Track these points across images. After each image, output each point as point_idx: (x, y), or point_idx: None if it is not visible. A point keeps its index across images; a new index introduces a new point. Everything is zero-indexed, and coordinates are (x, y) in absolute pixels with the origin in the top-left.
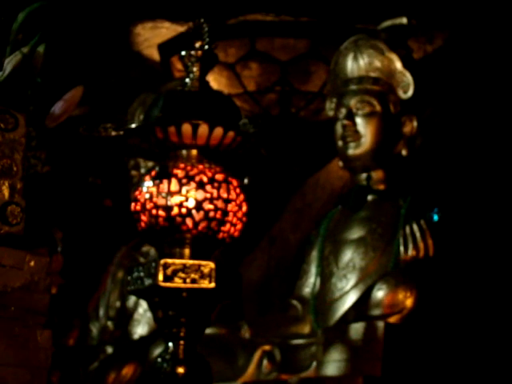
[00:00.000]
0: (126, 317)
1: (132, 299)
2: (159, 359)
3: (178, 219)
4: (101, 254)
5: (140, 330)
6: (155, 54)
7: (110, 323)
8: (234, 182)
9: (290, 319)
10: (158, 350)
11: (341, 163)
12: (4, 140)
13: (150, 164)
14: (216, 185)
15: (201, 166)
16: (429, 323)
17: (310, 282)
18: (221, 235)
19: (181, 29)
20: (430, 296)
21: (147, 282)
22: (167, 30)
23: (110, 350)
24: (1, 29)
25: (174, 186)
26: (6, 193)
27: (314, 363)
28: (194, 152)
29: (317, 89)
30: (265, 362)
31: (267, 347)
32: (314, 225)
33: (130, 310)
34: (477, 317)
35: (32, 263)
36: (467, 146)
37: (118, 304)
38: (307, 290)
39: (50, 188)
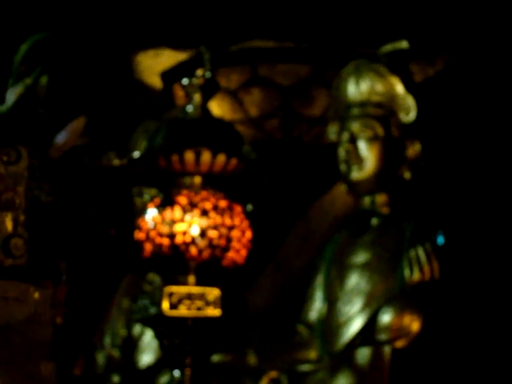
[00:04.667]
0: (131, 345)
1: (138, 327)
2: None
3: (182, 247)
4: (106, 282)
5: (146, 358)
6: (157, 82)
7: (115, 351)
8: (238, 209)
9: (297, 345)
10: (164, 379)
11: (344, 187)
12: (7, 173)
13: (154, 191)
14: (219, 211)
15: (204, 193)
16: (436, 347)
17: (316, 307)
18: (225, 262)
19: (182, 56)
20: (436, 320)
21: (152, 310)
22: (169, 58)
23: (116, 378)
24: (2, 60)
25: (178, 213)
26: (10, 226)
27: None
28: (197, 179)
29: (319, 113)
30: None
31: (274, 374)
32: (319, 250)
33: (135, 338)
34: (483, 339)
35: (36, 295)
36: (470, 168)
37: (123, 332)
38: (313, 314)
39: (54, 218)
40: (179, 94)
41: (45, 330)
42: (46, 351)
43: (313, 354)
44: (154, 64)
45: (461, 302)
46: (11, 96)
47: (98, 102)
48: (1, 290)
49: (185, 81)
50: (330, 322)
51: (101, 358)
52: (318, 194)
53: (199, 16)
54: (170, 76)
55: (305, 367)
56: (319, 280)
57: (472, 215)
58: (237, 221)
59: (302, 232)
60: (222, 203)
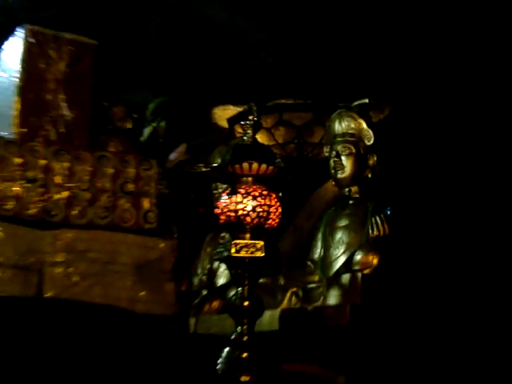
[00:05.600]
0: (212, 273)
1: (216, 263)
2: (233, 297)
3: (242, 217)
4: (198, 238)
5: (221, 281)
6: (225, 124)
7: (204, 277)
8: (273, 195)
9: (307, 273)
10: (232, 292)
11: (333, 182)
12: (146, 175)
13: (224, 186)
14: (263, 197)
15: (254, 187)
16: (387, 274)
17: (318, 251)
18: (266, 226)
19: (240, 109)
20: (387, 258)
21: (225, 253)
22: (232, 110)
23: (204, 292)
24: (142, 113)
25: (239, 198)
26: (147, 205)
27: (322, 298)
28: (250, 179)
29: (318, 141)
30: (293, 297)
31: (294, 289)
32: (319, 219)
33: (215, 269)
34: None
35: (162, 245)
36: (408, 172)
37: (208, 266)
38: (316, 255)
39: (170, 202)
40: (238, 130)
41: (167, 264)
42: (168, 276)
43: (316, 278)
44: (223, 114)
45: (401, 247)
46: (146, 132)
47: (193, 136)
48: (142, 243)
49: (242, 123)
50: (326, 260)
51: (196, 281)
52: (317, 187)
53: (249, 86)
54: (233, 120)
55: (312, 285)
56: (319, 236)
57: (408, 198)
58: (273, 202)
59: (308, 209)
60: (264, 192)
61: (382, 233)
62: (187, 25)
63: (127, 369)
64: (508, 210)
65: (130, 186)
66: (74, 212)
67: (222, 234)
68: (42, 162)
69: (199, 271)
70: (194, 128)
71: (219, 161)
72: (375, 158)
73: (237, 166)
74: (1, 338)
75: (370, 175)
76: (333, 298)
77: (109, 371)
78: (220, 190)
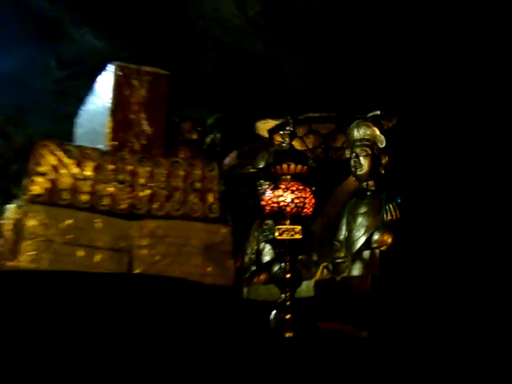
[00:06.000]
0: (259, 252)
1: (262, 244)
2: (277, 271)
3: (283, 207)
4: (247, 224)
5: (266, 258)
6: (266, 134)
7: (252, 256)
8: (308, 189)
9: (335, 250)
10: (276, 267)
11: (353, 178)
12: (209, 176)
13: (268, 183)
14: (299, 191)
15: (292, 183)
16: (399, 250)
17: (343, 233)
18: (302, 214)
19: (277, 122)
20: (399, 237)
21: (270, 236)
22: (271, 123)
23: (253, 268)
24: (204, 127)
25: (281, 192)
26: (211, 199)
27: (347, 270)
28: (289, 177)
29: (340, 145)
30: (324, 270)
31: (325, 263)
32: (342, 207)
33: (261, 249)
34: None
35: (223, 230)
36: (413, 169)
37: (255, 247)
38: (341, 236)
39: (226, 196)
40: (276, 139)
41: (228, 245)
42: (229, 255)
43: (342, 254)
44: (264, 126)
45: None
46: (206, 142)
47: (241, 145)
48: (208, 229)
49: (281, 132)
50: (349, 240)
51: (246, 259)
52: (341, 182)
53: (284, 103)
54: (272, 131)
55: (339, 260)
56: (343, 221)
57: (415, 190)
58: (307, 195)
59: (334, 200)
60: (300, 187)
61: (394, 217)
62: (235, 57)
63: (198, 326)
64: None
65: (198, 185)
66: (155, 206)
67: (267, 221)
68: (129, 167)
69: (249, 251)
70: (242, 138)
71: (262, 163)
72: (387, 158)
73: (278, 166)
74: (102, 305)
75: (383, 171)
76: (356, 270)
77: (185, 328)
78: (264, 187)
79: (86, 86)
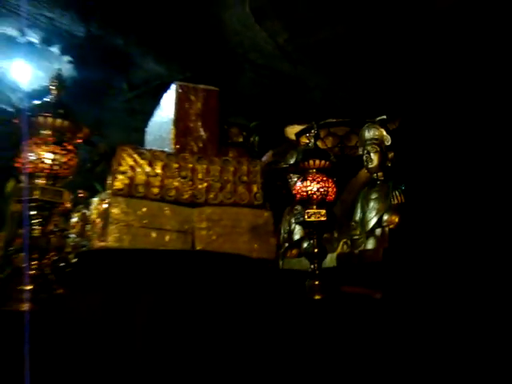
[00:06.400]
0: (290, 232)
1: (293, 225)
2: (307, 247)
3: (310, 195)
4: (280, 209)
5: (296, 236)
6: (293, 137)
7: (285, 235)
8: (330, 180)
9: (352, 229)
10: (306, 244)
11: (365, 171)
12: (253, 170)
13: (297, 176)
14: (323, 181)
15: (318, 175)
16: (405, 227)
17: (358, 215)
18: (327, 200)
19: (302, 127)
20: (404, 217)
21: (301, 219)
22: (297, 128)
23: (286, 244)
24: (248, 131)
25: (308, 183)
26: (256, 189)
27: (363, 244)
28: (314, 170)
29: (354, 144)
30: (344, 245)
31: (345, 240)
32: (357, 193)
33: (292, 229)
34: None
35: (266, 214)
36: (414, 162)
37: (287, 228)
38: (357, 218)
39: (265, 187)
40: (302, 141)
41: (270, 226)
42: (271, 234)
43: (358, 232)
44: (292, 130)
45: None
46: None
47: (275, 146)
48: (254, 213)
49: (306, 135)
50: (364, 220)
51: (280, 238)
52: (355, 174)
53: (308, 111)
54: (299, 134)
55: (355, 237)
56: (358, 205)
57: (418, 180)
58: (330, 184)
59: (349, 188)
60: (324, 178)
61: (400, 201)
62: (268, 76)
63: (248, 290)
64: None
65: (245, 178)
66: (211, 196)
67: (296, 207)
68: (190, 165)
69: (282, 231)
70: (274, 140)
71: (292, 160)
72: (392, 153)
73: (306, 162)
74: (172, 275)
75: (389, 164)
76: (370, 244)
77: (238, 291)
78: (294, 179)
79: (150, 103)
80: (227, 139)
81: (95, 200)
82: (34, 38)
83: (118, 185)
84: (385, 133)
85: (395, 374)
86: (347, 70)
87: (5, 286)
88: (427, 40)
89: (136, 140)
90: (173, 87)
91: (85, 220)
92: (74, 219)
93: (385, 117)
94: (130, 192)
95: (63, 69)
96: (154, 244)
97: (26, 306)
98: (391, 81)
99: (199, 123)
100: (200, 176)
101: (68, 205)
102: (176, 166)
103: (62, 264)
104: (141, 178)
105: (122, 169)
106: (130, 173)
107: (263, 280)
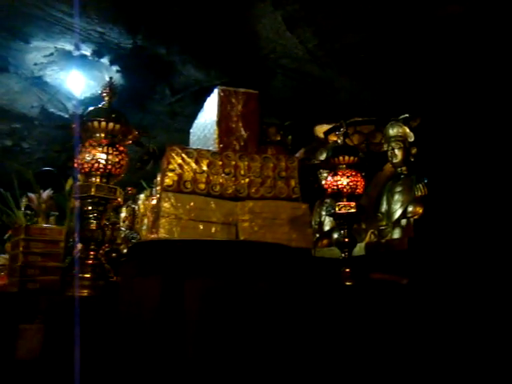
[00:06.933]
0: (321, 223)
1: (323, 217)
2: (339, 237)
3: (341, 189)
4: (313, 202)
5: (327, 227)
6: (322, 135)
7: (316, 226)
8: (359, 174)
9: (379, 220)
10: (336, 234)
11: (390, 165)
12: (291, 166)
13: (328, 171)
14: (353, 176)
15: (347, 170)
16: (428, 218)
17: (384, 207)
18: (355, 193)
19: (330, 126)
20: (427, 209)
21: (332, 211)
22: (326, 127)
23: (317, 235)
24: (284, 131)
25: (338, 177)
26: (293, 184)
27: (389, 234)
28: (344, 165)
29: (379, 141)
30: (372, 235)
31: (372, 230)
32: (382, 187)
33: (322, 221)
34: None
35: (304, 206)
36: (435, 156)
37: (318, 219)
38: (383, 209)
39: (299, 182)
40: (331, 139)
41: (307, 217)
42: (308, 225)
43: (384, 223)
44: (321, 129)
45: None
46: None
47: (306, 144)
48: (292, 206)
49: (335, 133)
50: (389, 211)
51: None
52: (380, 168)
53: (335, 111)
54: (328, 132)
55: (382, 227)
56: (384, 198)
57: (439, 173)
58: (359, 179)
59: (375, 182)
60: (353, 173)
61: (423, 193)
62: (298, 79)
63: (288, 276)
64: None
65: (283, 173)
66: (252, 190)
67: (326, 200)
68: (233, 162)
69: (313, 223)
70: (305, 139)
71: (322, 157)
72: (415, 149)
73: (336, 158)
74: (218, 263)
75: (412, 159)
76: (396, 234)
77: (279, 277)
78: (325, 174)
79: (190, 107)
80: (266, 138)
81: (142, 196)
82: (86, 51)
83: (168, 181)
84: (408, 130)
85: (420, 351)
86: (372, 72)
87: (66, 274)
88: (446, 43)
89: (178, 140)
90: (215, 91)
91: (133, 214)
92: (123, 213)
93: (407, 115)
94: (178, 188)
95: (112, 78)
96: (202, 235)
97: (85, 292)
98: (413, 81)
99: (240, 124)
100: (242, 172)
101: (120, 200)
102: (220, 163)
103: (114, 254)
104: (188, 174)
105: (171, 167)
106: (178, 170)
107: (302, 267)
